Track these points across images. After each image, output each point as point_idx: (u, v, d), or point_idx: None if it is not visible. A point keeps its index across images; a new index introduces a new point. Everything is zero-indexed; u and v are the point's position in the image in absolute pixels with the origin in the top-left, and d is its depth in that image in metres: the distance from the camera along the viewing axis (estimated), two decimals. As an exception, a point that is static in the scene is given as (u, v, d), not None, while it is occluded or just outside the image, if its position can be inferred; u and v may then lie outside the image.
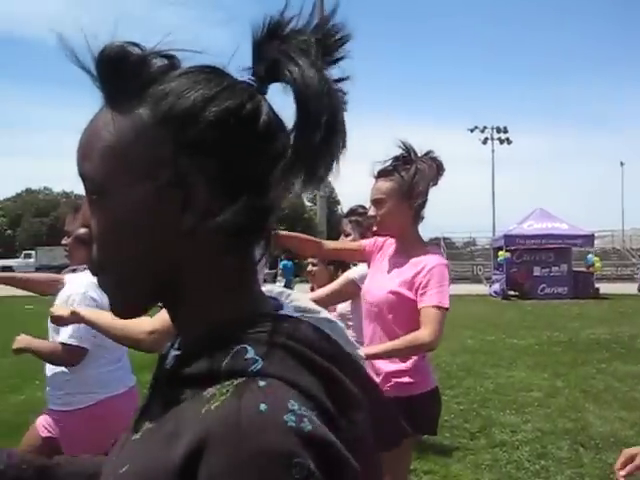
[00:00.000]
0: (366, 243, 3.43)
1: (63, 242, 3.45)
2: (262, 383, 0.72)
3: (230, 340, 0.78)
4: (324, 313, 0.91)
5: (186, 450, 0.70)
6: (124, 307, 0.88)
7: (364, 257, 3.44)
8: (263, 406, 0.69)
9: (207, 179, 0.80)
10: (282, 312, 0.86)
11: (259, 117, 0.81)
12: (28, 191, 79.24)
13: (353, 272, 3.74)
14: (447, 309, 3.05)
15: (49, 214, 66.37)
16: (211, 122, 0.79)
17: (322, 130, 0.79)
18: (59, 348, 3.19)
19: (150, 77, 0.82)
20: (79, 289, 3.26)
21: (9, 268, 50.06)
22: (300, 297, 0.95)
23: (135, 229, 0.82)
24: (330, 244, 3.55)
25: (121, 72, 0.82)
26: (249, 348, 0.76)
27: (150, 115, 0.81)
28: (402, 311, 3.10)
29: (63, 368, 3.26)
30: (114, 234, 0.83)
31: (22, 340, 3.28)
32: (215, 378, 0.75)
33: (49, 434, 3.27)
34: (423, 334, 2.98)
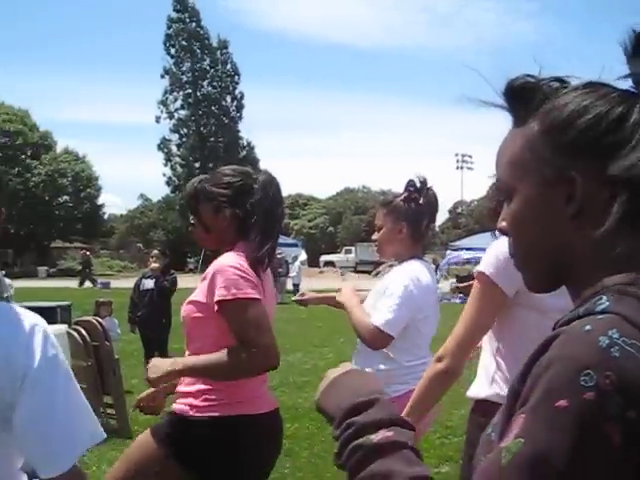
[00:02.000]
0: None
1: (373, 237, 3.54)
2: (600, 316, 0.87)
3: (595, 295, 0.93)
4: None
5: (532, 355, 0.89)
6: (531, 284, 1.08)
7: None
8: (587, 327, 0.85)
9: (586, 174, 0.96)
10: None
11: (628, 118, 0.96)
12: (347, 190, 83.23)
13: None
14: None
15: (367, 212, 69.27)
16: (584, 127, 0.96)
17: None
18: (371, 328, 3.25)
19: (543, 98, 1.02)
20: (399, 281, 3.33)
21: (331, 263, 53.16)
22: None
23: (531, 220, 1.02)
24: None
25: (522, 98, 1.04)
26: (604, 296, 0.90)
27: (538, 127, 1.01)
28: None
29: (380, 360, 3.36)
30: (518, 225, 1.04)
31: (345, 292, 3.48)
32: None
33: None
34: None
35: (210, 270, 2.66)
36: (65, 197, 54.57)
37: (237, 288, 2.56)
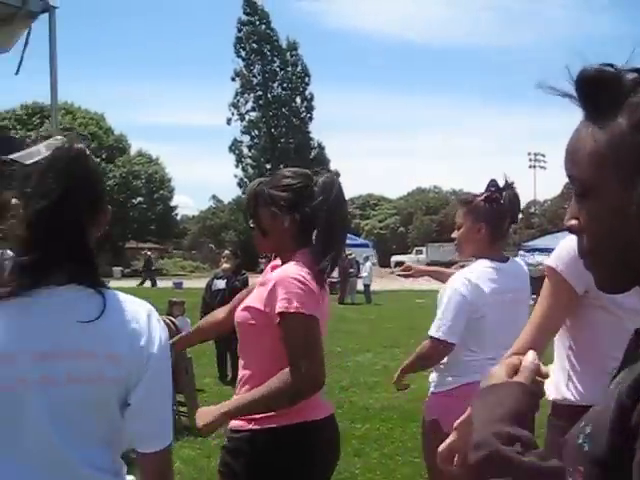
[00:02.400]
0: None
1: (453, 235, 3.54)
2: None
3: None
4: None
5: None
6: (604, 284, 1.04)
7: None
8: None
9: None
10: None
11: None
12: (418, 190, 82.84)
13: None
14: None
15: (438, 212, 68.77)
16: None
17: None
18: (427, 342, 3.38)
19: (624, 90, 0.95)
20: (452, 285, 3.38)
21: (402, 264, 52.82)
22: None
23: (612, 218, 0.96)
24: None
25: (598, 90, 0.97)
26: None
27: (627, 123, 0.94)
28: None
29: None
30: (596, 224, 0.99)
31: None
32: None
33: (432, 417, 3.40)
34: None
35: (272, 279, 2.57)
36: (139, 198, 55.69)
37: (299, 302, 2.48)
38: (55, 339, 1.56)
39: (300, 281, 2.52)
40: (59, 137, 1.70)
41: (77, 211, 1.62)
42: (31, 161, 1.62)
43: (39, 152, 1.63)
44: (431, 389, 3.51)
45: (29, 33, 6.10)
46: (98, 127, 53.66)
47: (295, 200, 2.65)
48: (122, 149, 55.89)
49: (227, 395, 9.06)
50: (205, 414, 2.55)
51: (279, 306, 2.49)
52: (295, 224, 2.65)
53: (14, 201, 1.64)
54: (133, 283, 33.86)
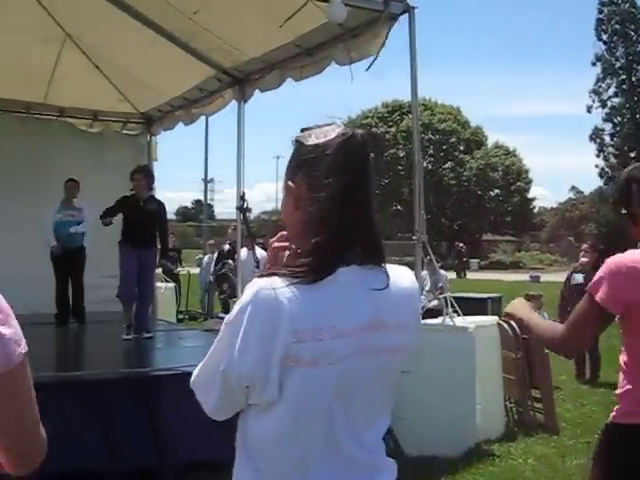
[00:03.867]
0: None
1: None
2: None
3: None
4: None
5: None
6: None
7: None
8: None
9: None
10: None
11: None
12: None
13: None
14: None
15: None
16: None
17: None
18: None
19: None
20: None
21: None
22: None
23: None
24: None
25: None
26: None
27: None
28: None
29: None
30: None
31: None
32: None
33: None
34: None
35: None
36: (496, 191, 55.80)
37: (598, 281, 2.42)
38: (358, 312, 1.56)
39: (608, 267, 2.44)
40: (340, 125, 1.67)
41: (369, 195, 1.62)
42: (314, 142, 1.62)
43: (323, 135, 1.63)
44: None
45: (387, 34, 6.41)
46: (455, 121, 54.77)
47: None
48: (479, 142, 56.41)
49: (583, 394, 8.73)
50: (514, 307, 2.83)
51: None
52: None
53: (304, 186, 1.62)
54: (490, 275, 34.08)
